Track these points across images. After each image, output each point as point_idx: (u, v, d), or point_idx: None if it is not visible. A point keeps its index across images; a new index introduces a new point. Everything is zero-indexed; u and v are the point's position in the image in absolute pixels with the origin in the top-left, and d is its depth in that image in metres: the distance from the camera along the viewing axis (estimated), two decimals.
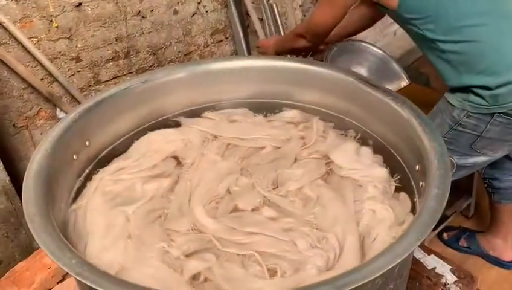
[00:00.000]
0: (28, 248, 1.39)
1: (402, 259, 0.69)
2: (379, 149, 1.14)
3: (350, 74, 1.22)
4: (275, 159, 1.10)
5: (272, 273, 0.81)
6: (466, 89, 1.26)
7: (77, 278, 0.69)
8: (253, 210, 0.96)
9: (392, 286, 0.82)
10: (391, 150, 1.13)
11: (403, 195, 0.99)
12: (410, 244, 0.71)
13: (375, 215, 0.92)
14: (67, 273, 1.30)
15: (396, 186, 1.02)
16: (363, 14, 1.50)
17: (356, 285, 0.65)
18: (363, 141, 1.15)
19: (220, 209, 0.97)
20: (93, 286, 0.67)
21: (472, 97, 1.25)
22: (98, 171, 1.07)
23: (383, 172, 1.02)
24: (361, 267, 0.69)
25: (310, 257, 0.82)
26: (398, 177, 1.03)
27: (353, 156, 1.05)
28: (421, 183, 0.92)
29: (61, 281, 1.30)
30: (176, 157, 1.13)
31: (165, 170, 1.08)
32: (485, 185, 1.70)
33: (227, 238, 0.88)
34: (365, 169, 1.02)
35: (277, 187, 1.02)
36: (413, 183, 1.01)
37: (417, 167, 0.98)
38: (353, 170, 1.02)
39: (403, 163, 1.07)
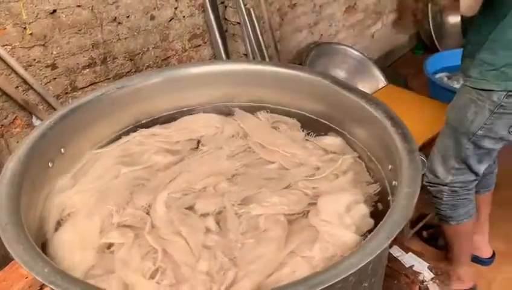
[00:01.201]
0: (5, 258, 1.37)
1: (373, 257, 0.71)
2: (354, 150, 1.16)
3: (325, 77, 1.24)
4: (271, 178, 1.09)
5: (153, 274, 0.85)
6: (503, 68, 1.27)
7: (50, 286, 0.69)
8: (202, 215, 0.99)
9: (366, 285, 0.83)
10: (366, 150, 1.15)
11: None
12: (380, 243, 0.72)
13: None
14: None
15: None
16: None
17: (327, 284, 0.66)
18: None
19: (179, 202, 1.02)
20: None
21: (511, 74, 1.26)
22: (137, 129, 1.23)
23: (350, 241, 0.88)
24: (332, 267, 0.70)
25: (196, 280, 0.82)
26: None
27: (338, 210, 0.94)
28: (393, 182, 0.94)
29: None
30: (198, 141, 1.22)
31: (181, 149, 1.19)
32: None
33: (159, 228, 0.94)
34: (335, 229, 0.91)
35: (244, 205, 1.01)
36: (386, 182, 1.03)
37: (390, 167, 1.00)
38: (324, 222, 0.92)
39: (377, 163, 1.09)
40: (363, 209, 0.95)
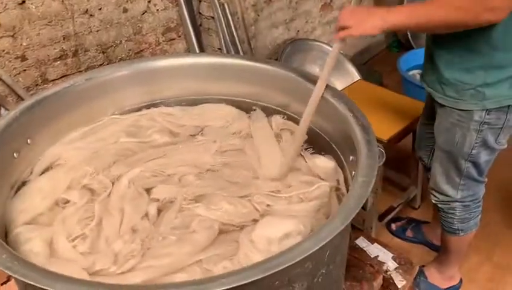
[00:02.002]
0: None
1: (326, 242, 0.73)
2: (318, 140, 1.18)
3: (291, 70, 1.26)
4: (236, 183, 1.11)
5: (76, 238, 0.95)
6: (480, 88, 1.26)
7: (7, 272, 0.69)
8: (152, 199, 1.06)
9: (324, 271, 0.86)
10: (331, 143, 1.18)
11: None
12: (334, 228, 0.75)
13: None
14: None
15: None
16: None
17: (282, 267, 0.68)
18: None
19: (143, 181, 1.10)
20: (22, 279, 0.68)
21: (488, 94, 1.25)
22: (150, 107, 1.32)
23: None
24: (286, 251, 0.72)
25: (101, 256, 0.89)
26: None
27: (272, 236, 0.91)
28: (353, 172, 0.97)
29: (5, 282, 1.28)
30: (202, 130, 1.29)
31: (181, 133, 1.27)
32: (427, 174, 1.77)
33: (111, 199, 1.04)
34: (254, 253, 0.89)
35: (194, 202, 1.04)
36: (348, 173, 1.06)
37: (351, 158, 1.03)
38: (250, 243, 0.90)
39: (340, 154, 1.12)
40: (295, 239, 0.90)
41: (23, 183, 1.07)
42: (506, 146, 1.38)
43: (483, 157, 1.38)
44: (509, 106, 1.27)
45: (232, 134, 1.27)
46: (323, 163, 1.14)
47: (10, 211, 0.98)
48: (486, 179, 1.49)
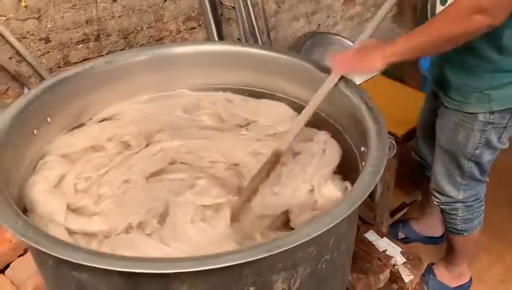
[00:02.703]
0: None
1: (330, 228, 0.74)
2: (332, 132, 1.19)
3: (307, 61, 1.27)
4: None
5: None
6: (486, 91, 1.26)
7: (22, 239, 0.73)
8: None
9: (328, 257, 0.87)
10: (344, 134, 1.18)
11: None
12: (338, 214, 0.76)
13: None
14: (28, 247, 1.33)
15: None
16: None
17: (282, 249, 0.69)
18: (317, 124, 1.20)
19: (172, 154, 1.20)
20: (36, 246, 0.71)
21: (494, 96, 1.25)
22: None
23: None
24: (290, 233, 0.73)
25: (83, 197, 1.05)
26: None
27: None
28: (363, 162, 0.97)
29: (22, 255, 1.32)
30: (248, 123, 1.29)
31: (228, 120, 1.29)
32: (420, 170, 1.76)
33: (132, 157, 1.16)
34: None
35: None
36: (359, 163, 1.06)
37: (362, 149, 1.03)
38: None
39: (352, 145, 1.13)
40: None
41: (42, 158, 1.11)
42: (507, 145, 1.38)
43: (486, 157, 1.38)
44: None
45: (273, 134, 1.26)
46: (330, 193, 1.03)
47: (29, 184, 1.02)
48: (488, 179, 1.49)
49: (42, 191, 1.00)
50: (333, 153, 1.09)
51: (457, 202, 1.49)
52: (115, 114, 1.26)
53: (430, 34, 1.09)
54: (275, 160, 1.10)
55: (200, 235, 0.93)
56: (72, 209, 1.01)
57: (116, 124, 1.24)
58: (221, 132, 1.27)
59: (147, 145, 1.21)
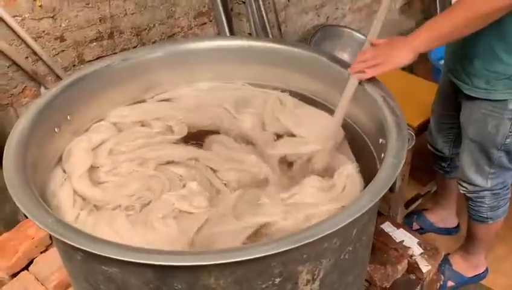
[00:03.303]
0: (13, 221, 1.44)
1: (354, 219, 0.75)
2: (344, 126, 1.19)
3: (322, 54, 1.27)
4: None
5: None
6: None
7: (54, 235, 0.74)
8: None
9: (350, 249, 0.88)
10: (355, 127, 1.19)
11: None
12: (362, 205, 0.77)
13: None
14: (50, 243, 1.36)
15: None
16: None
17: (309, 240, 0.71)
18: None
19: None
20: (67, 241, 0.72)
21: None
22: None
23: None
24: (315, 225, 0.74)
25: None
26: None
27: None
28: (382, 154, 0.98)
29: (44, 251, 1.35)
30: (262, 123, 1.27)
31: (241, 120, 1.27)
32: (440, 164, 1.76)
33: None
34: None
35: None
36: (375, 155, 1.07)
37: (380, 141, 1.04)
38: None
39: (366, 138, 1.13)
40: None
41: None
42: None
43: None
44: None
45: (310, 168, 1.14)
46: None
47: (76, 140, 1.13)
48: None
49: (81, 148, 1.11)
50: (352, 192, 1.01)
51: (485, 190, 1.49)
52: (175, 96, 1.31)
53: (455, 19, 1.08)
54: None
55: (156, 233, 0.94)
56: (90, 171, 1.09)
57: (171, 106, 1.28)
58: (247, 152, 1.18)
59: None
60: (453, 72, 1.40)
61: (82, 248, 0.71)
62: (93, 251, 0.70)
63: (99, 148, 1.16)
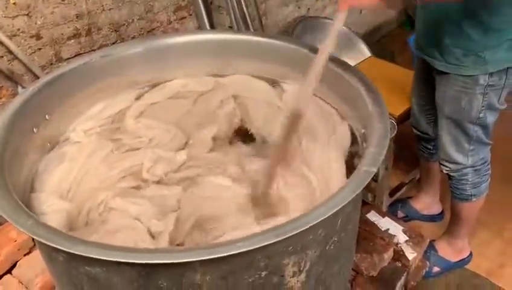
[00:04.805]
0: None
1: (338, 210, 0.75)
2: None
3: (303, 46, 1.27)
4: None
5: None
6: (480, 53, 1.29)
7: (34, 237, 0.73)
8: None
9: (336, 239, 0.88)
10: (342, 116, 1.19)
11: None
12: (346, 195, 0.77)
13: None
14: (33, 246, 1.33)
15: None
16: None
17: (292, 233, 0.70)
18: None
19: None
20: (48, 243, 0.71)
21: (488, 58, 1.29)
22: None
23: None
24: (298, 217, 0.74)
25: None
26: None
27: None
28: (364, 144, 0.98)
29: (27, 253, 1.33)
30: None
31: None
32: (426, 146, 1.78)
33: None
34: None
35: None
36: (360, 146, 1.07)
37: (363, 131, 1.04)
38: None
39: (352, 127, 1.14)
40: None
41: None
42: (506, 106, 1.43)
43: (490, 118, 1.42)
44: (508, 67, 1.31)
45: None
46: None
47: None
48: (491, 142, 1.53)
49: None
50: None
51: (467, 167, 1.53)
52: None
53: None
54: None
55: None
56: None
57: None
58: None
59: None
60: (425, 50, 1.43)
61: (63, 249, 0.70)
62: (75, 252, 0.68)
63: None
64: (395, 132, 0.99)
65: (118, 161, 1.11)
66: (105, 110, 1.24)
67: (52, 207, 0.95)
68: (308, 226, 0.72)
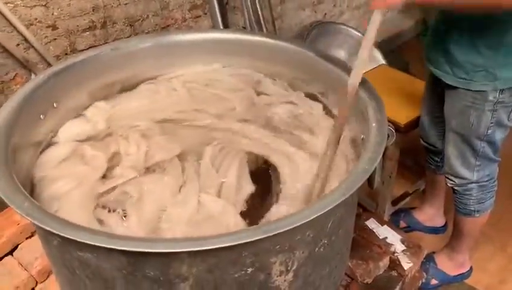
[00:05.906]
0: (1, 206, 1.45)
1: (326, 212, 0.76)
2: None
3: (310, 49, 1.28)
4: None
5: None
6: (491, 69, 1.28)
7: (27, 218, 0.75)
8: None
9: (326, 242, 0.89)
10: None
11: None
12: (334, 199, 0.77)
13: None
14: (35, 230, 1.36)
15: None
16: None
17: (277, 231, 0.71)
18: None
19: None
20: (40, 225, 0.73)
21: (499, 74, 1.28)
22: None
23: None
24: (286, 217, 0.75)
25: None
26: None
27: None
28: (362, 150, 0.99)
29: (29, 237, 1.36)
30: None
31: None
32: (433, 158, 1.77)
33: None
34: None
35: None
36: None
37: (362, 137, 1.04)
38: None
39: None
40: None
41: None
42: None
43: (498, 135, 1.40)
44: None
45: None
46: None
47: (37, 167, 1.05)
48: (499, 159, 1.50)
49: None
50: None
51: (472, 182, 1.51)
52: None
53: None
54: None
55: None
56: None
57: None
58: None
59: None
60: (434, 63, 1.42)
61: (55, 232, 0.72)
62: (65, 235, 0.70)
63: None
64: (394, 139, 0.99)
65: None
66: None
67: None
68: (293, 226, 0.72)
